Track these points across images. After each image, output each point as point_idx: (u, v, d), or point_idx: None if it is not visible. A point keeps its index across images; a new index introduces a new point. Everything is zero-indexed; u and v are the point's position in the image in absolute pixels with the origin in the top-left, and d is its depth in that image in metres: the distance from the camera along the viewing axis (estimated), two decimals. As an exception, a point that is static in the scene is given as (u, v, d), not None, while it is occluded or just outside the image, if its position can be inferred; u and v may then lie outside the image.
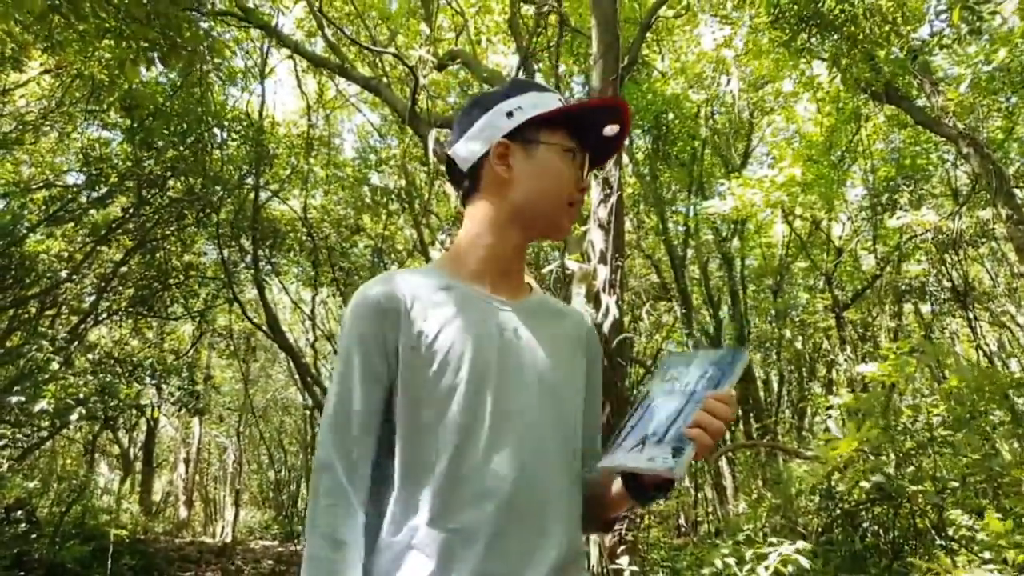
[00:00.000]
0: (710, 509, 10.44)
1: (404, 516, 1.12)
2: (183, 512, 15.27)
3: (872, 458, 4.37)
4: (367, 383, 1.16)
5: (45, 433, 8.70)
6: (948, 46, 6.74)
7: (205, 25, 5.50)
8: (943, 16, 6.37)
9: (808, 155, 8.77)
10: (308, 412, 13.97)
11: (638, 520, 4.61)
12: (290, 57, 9.90)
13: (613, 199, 4.85)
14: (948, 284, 10.28)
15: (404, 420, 1.15)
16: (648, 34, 7.07)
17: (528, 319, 1.24)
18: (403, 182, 8.13)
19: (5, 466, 6.89)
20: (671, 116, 8.96)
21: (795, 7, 6.46)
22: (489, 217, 1.27)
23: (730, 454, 9.14)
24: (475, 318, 1.19)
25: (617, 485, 1.19)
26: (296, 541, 11.42)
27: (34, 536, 7.44)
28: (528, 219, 1.27)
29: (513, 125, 1.25)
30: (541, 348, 1.22)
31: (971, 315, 10.37)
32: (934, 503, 4.36)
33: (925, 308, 11.65)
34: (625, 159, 7.75)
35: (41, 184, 8.92)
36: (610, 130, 1.28)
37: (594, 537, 4.59)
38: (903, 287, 10.33)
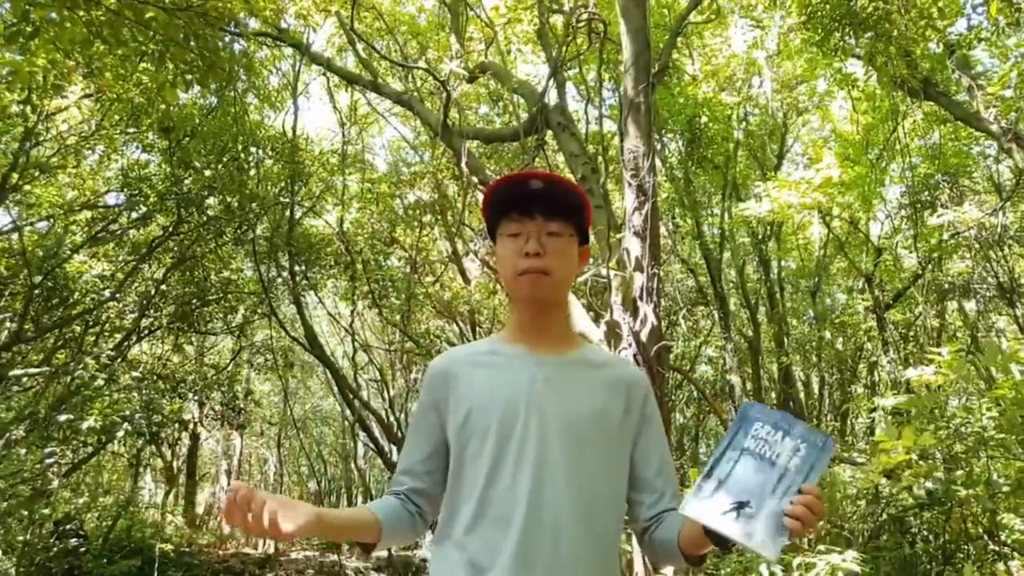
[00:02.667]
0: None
1: (445, 531, 1.42)
2: (226, 524, 15.45)
3: (921, 462, 4.27)
4: (416, 435, 1.52)
5: (91, 449, 8.89)
6: (987, 39, 6.59)
7: (240, 46, 5.60)
8: (980, 9, 6.24)
9: (846, 155, 8.63)
10: (348, 424, 14.08)
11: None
12: (323, 74, 10.03)
13: (648, 206, 4.81)
14: (993, 281, 10.03)
15: (453, 461, 1.44)
16: (679, 39, 7.03)
17: (562, 370, 1.46)
18: (436, 195, 8.20)
19: (55, 482, 7.04)
20: (704, 119, 8.88)
21: (827, 6, 6.37)
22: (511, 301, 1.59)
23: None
24: (509, 375, 1.44)
25: (698, 528, 1.28)
26: (337, 551, 11.49)
27: (83, 550, 7.60)
28: (511, 298, 1.56)
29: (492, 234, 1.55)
30: (571, 396, 1.42)
31: (1018, 312, 10.10)
32: (987, 507, 4.24)
33: (969, 306, 11.37)
34: (658, 164, 7.71)
35: (82, 206, 9.15)
36: (534, 184, 1.45)
37: (638, 547, 4.55)
38: (946, 285, 10.10)
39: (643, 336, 4.67)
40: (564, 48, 5.83)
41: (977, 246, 9.59)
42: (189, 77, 4.58)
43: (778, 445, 1.22)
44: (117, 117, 8.36)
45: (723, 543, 1.24)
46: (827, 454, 1.21)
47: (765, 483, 1.19)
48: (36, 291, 7.98)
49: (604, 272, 4.89)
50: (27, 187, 8.49)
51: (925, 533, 5.35)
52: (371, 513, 1.41)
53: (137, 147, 9.05)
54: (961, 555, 4.95)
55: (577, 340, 1.55)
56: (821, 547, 4.34)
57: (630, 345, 4.65)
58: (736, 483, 1.20)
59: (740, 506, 1.17)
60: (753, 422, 1.27)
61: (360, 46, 7.67)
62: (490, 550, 1.32)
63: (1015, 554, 4.46)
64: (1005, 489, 4.16)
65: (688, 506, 1.21)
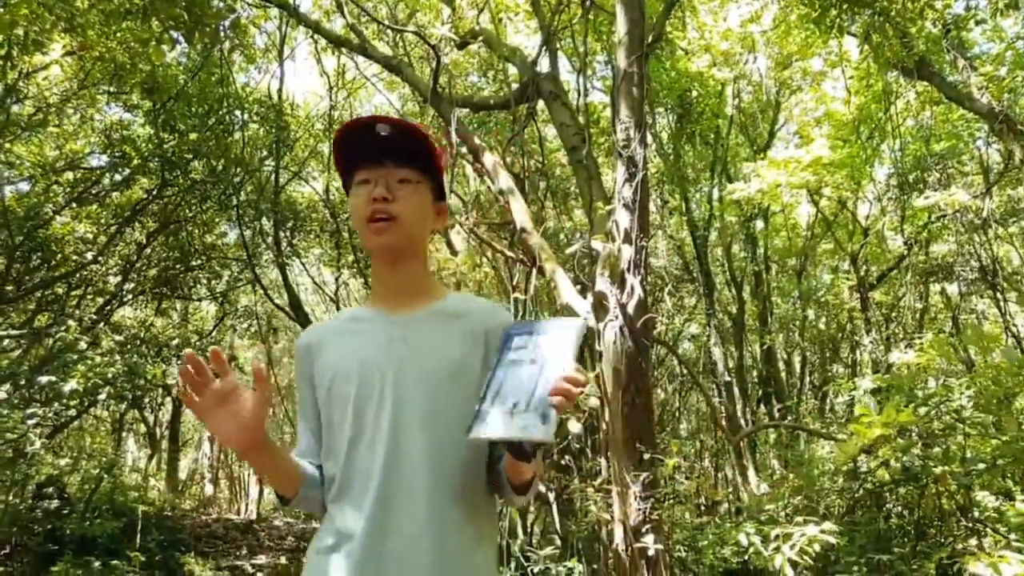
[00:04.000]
0: (729, 489, 10.42)
1: (326, 501, 1.44)
2: (208, 490, 15.50)
3: (899, 439, 4.32)
4: (303, 412, 1.51)
5: (74, 412, 8.84)
6: (983, 21, 6.57)
7: (226, 3, 5.48)
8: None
9: (837, 135, 8.62)
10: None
11: (663, 499, 4.61)
12: (310, 36, 9.86)
13: (638, 178, 4.80)
14: (976, 264, 10.11)
15: (323, 431, 1.45)
16: (673, 9, 6.95)
17: (418, 326, 1.45)
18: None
19: (38, 444, 7.00)
20: (695, 94, 8.82)
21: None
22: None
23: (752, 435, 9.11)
24: (366, 339, 1.44)
25: (507, 452, 1.33)
26: (318, 519, 11.56)
27: (65, 512, 7.59)
28: (366, 248, 1.52)
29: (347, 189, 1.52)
30: (427, 351, 1.41)
31: (999, 295, 10.20)
32: (962, 484, 4.31)
33: (952, 288, 11.47)
34: (649, 138, 7.67)
35: (65, 166, 9.00)
36: (381, 128, 1.41)
37: (618, 516, 4.60)
38: (930, 268, 10.17)
39: (630, 308, 4.68)
40: (557, 16, 5.76)
41: (962, 229, 9.65)
42: (175, 34, 4.49)
43: (536, 346, 1.27)
44: (100, 76, 8.19)
45: (520, 451, 1.26)
46: (578, 332, 1.25)
47: (529, 379, 1.23)
48: (17, 252, 7.87)
49: (592, 243, 4.88)
50: (8, 145, 8.34)
51: (900, 509, 5.44)
52: (298, 465, 1.43)
53: (121, 107, 8.89)
54: (934, 530, 5.04)
55: (438, 291, 1.53)
56: (799, 519, 4.40)
57: (617, 317, 4.66)
58: (506, 392, 1.24)
59: (512, 408, 1.21)
60: (512, 338, 1.32)
61: (348, 7, 7.54)
62: (353, 514, 1.34)
63: (988, 530, 4.54)
64: (980, 466, 4.23)
65: (471, 433, 1.24)
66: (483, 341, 1.45)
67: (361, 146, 1.44)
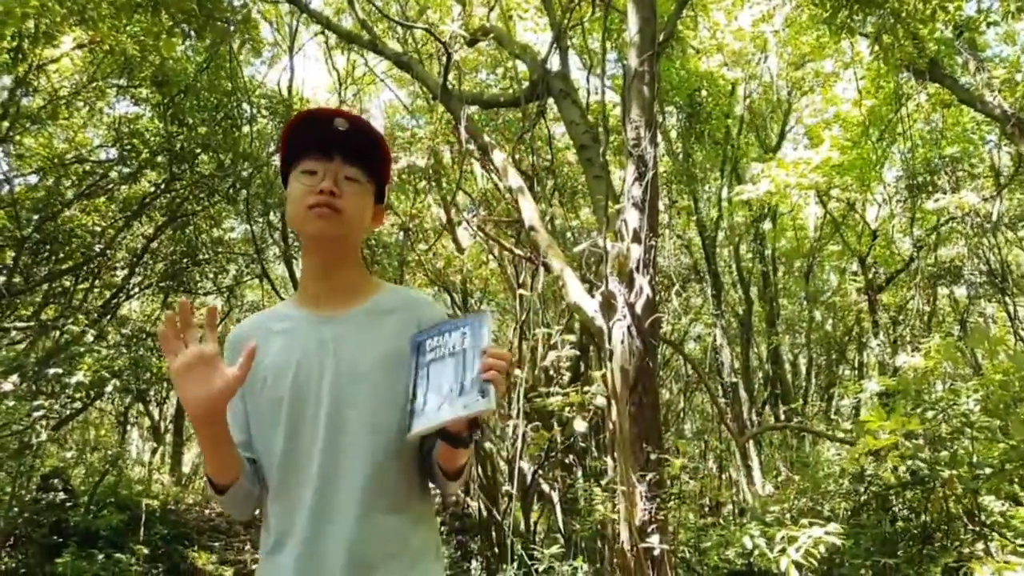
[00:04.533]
0: (734, 490, 10.40)
1: (264, 505, 1.43)
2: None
3: (907, 443, 4.31)
4: (231, 408, 1.37)
5: (79, 405, 8.86)
6: (996, 23, 6.53)
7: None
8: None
9: (846, 137, 8.58)
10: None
11: (668, 499, 4.60)
12: (320, 32, 9.86)
13: (648, 177, 4.78)
14: (985, 267, 10.06)
15: (254, 431, 1.43)
16: (684, 9, 6.93)
17: (349, 325, 1.43)
18: (431, 160, 8.12)
19: (43, 435, 7.02)
20: (704, 93, 8.80)
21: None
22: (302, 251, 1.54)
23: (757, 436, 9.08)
24: (299, 340, 1.42)
25: (440, 443, 1.35)
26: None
27: (70, 504, 7.61)
28: (302, 243, 1.50)
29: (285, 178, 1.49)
30: (359, 349, 1.41)
31: (1008, 299, 10.15)
32: (969, 488, 4.29)
33: (960, 292, 11.42)
34: (658, 137, 7.65)
35: (74, 159, 9.02)
36: (339, 123, 1.40)
37: (624, 515, 4.59)
38: (938, 271, 10.13)
39: (638, 308, 4.66)
40: (568, 14, 5.74)
41: (971, 232, 9.60)
42: (186, 28, 4.49)
43: (450, 342, 1.33)
44: (110, 69, 8.21)
45: (458, 439, 1.30)
46: (484, 318, 1.32)
47: (454, 369, 1.28)
48: (26, 244, 7.89)
49: (601, 242, 4.86)
50: (17, 138, 8.36)
51: (906, 512, 5.42)
52: (241, 457, 1.39)
53: (130, 101, 8.90)
54: (940, 534, 5.02)
55: (369, 287, 1.51)
56: (804, 521, 4.39)
57: (625, 316, 4.65)
58: (436, 385, 1.30)
59: (448, 394, 1.26)
60: (423, 343, 1.38)
61: (359, 4, 7.54)
62: (291, 515, 1.35)
63: (994, 535, 4.52)
64: (987, 471, 4.21)
65: (411, 430, 1.29)
66: (413, 332, 1.45)
67: (314, 137, 1.42)
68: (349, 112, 1.46)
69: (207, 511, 11.90)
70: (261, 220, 9.95)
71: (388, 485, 1.37)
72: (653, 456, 4.52)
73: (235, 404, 1.39)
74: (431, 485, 1.50)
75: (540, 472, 7.23)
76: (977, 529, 4.51)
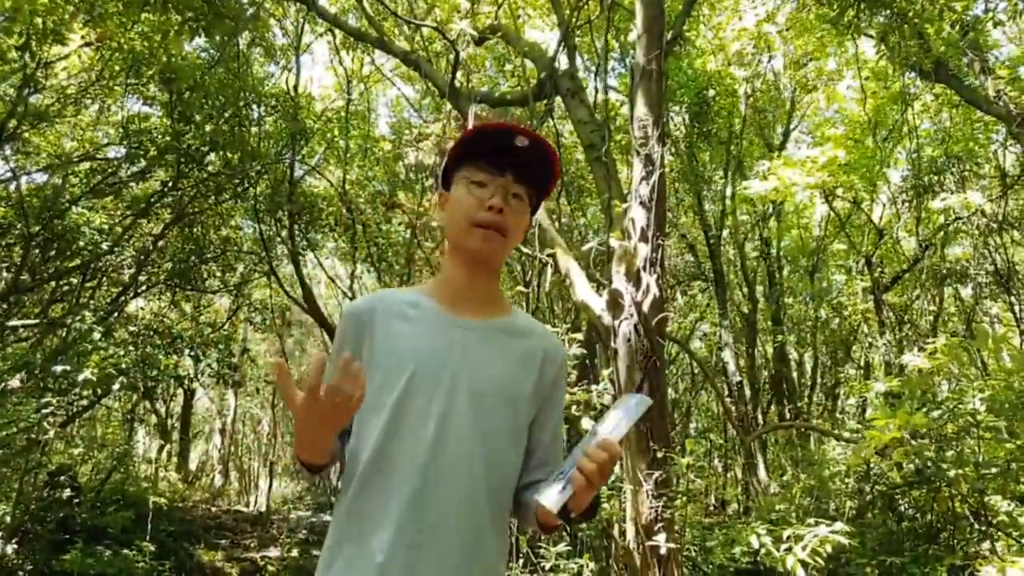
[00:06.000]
0: (739, 489, 10.40)
1: (344, 492, 1.37)
2: (219, 481, 15.60)
3: (913, 442, 4.31)
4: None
5: (87, 402, 8.90)
6: (1002, 23, 6.52)
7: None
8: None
9: (851, 136, 8.57)
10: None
11: (674, 498, 4.60)
12: (328, 30, 9.88)
13: (655, 176, 4.79)
14: (991, 268, 10.05)
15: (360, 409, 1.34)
16: (692, 7, 6.93)
17: (481, 337, 1.42)
18: (439, 158, 8.14)
19: (51, 432, 7.06)
20: (711, 93, 8.79)
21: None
22: (447, 250, 1.51)
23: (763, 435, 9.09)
24: (429, 333, 1.40)
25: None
26: (329, 512, 11.61)
27: (77, 501, 7.65)
28: (453, 245, 1.47)
29: (446, 177, 1.49)
30: (484, 365, 1.39)
31: (1013, 299, 10.13)
32: (975, 488, 4.29)
33: (966, 292, 11.40)
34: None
35: (82, 157, 9.05)
36: (520, 141, 1.39)
37: (630, 514, 4.60)
38: (944, 271, 10.11)
39: (645, 307, 4.67)
40: (576, 12, 5.75)
41: (977, 232, 9.59)
42: (194, 26, 4.51)
43: (602, 419, 1.27)
44: (118, 67, 8.24)
45: (566, 517, 1.28)
46: (636, 407, 1.26)
47: (577, 449, 1.24)
48: (34, 241, 7.93)
49: (608, 241, 4.87)
50: (26, 135, 8.39)
51: (912, 511, 5.42)
52: (335, 443, 1.37)
53: (138, 99, 8.93)
54: (946, 534, 5.02)
55: (504, 306, 1.51)
56: (811, 520, 4.39)
57: (631, 315, 4.66)
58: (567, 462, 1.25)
59: (553, 474, 1.25)
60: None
61: (367, 1, 7.55)
62: (381, 509, 1.30)
63: (1000, 534, 4.52)
64: (993, 470, 4.21)
65: (539, 496, 1.25)
66: (537, 365, 1.45)
67: (490, 148, 1.42)
68: (532, 131, 1.44)
69: (214, 508, 11.95)
70: (269, 219, 9.97)
71: (482, 507, 1.34)
72: (660, 454, 4.53)
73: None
74: (519, 521, 1.49)
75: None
76: (983, 529, 4.52)
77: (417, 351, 1.37)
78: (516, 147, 1.39)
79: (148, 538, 7.29)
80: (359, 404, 1.20)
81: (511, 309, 1.52)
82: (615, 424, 1.24)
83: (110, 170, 9.00)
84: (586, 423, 5.01)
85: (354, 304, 1.49)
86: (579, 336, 6.04)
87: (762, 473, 8.58)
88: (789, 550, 3.99)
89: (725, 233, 11.38)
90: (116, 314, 9.24)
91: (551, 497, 1.19)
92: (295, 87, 10.07)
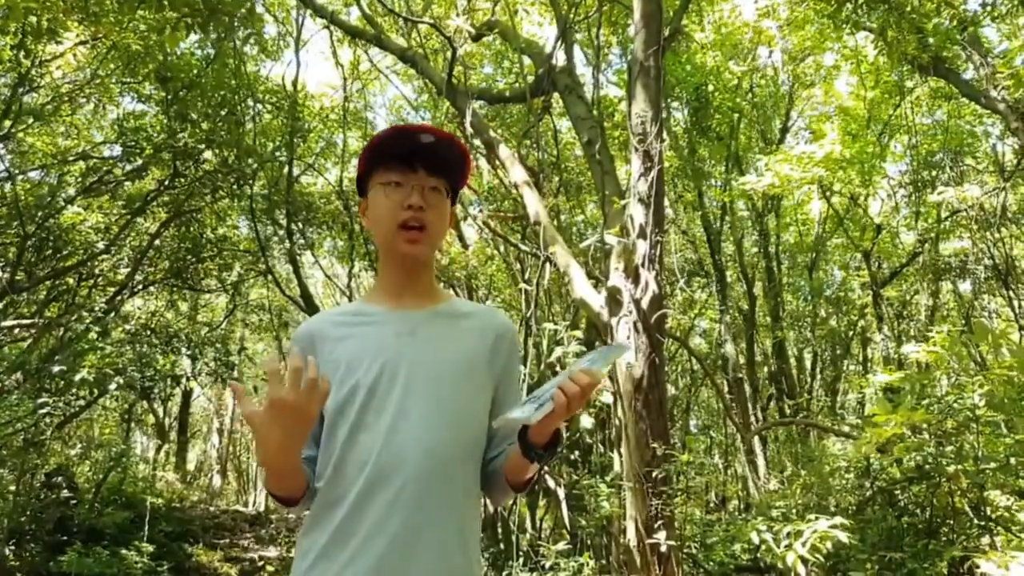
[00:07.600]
0: (739, 486, 10.39)
1: (317, 485, 1.39)
2: (217, 481, 15.57)
3: (913, 437, 4.30)
4: None
5: (83, 402, 8.86)
6: (1000, 17, 6.50)
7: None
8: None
9: (848, 130, 8.55)
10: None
11: (674, 495, 4.59)
12: (325, 27, 9.84)
13: (654, 173, 4.77)
14: (989, 262, 10.04)
15: (326, 422, 1.39)
16: (689, 4, 6.91)
17: (427, 322, 1.47)
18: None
19: (48, 433, 7.03)
20: (710, 88, 8.77)
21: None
22: (380, 254, 1.56)
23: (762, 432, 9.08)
24: (375, 332, 1.44)
25: (517, 448, 1.36)
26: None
27: (74, 502, 7.62)
28: (384, 249, 1.51)
29: (362, 186, 1.53)
30: (436, 345, 1.44)
31: (1011, 293, 10.13)
32: (975, 483, 4.29)
33: (964, 286, 11.40)
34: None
35: (77, 156, 9.01)
36: (425, 138, 1.43)
37: (631, 511, 4.59)
38: (942, 265, 10.10)
39: (644, 303, 4.66)
40: (573, 8, 5.72)
41: (975, 226, 9.58)
42: (190, 22, 4.47)
43: (579, 363, 1.30)
44: (113, 65, 8.19)
45: (529, 451, 1.31)
46: (613, 350, 1.34)
47: (550, 382, 1.28)
48: (29, 241, 7.89)
49: (607, 238, 4.85)
50: (20, 134, 8.35)
51: (912, 507, 5.41)
52: (306, 471, 1.39)
53: (133, 97, 8.89)
54: (946, 529, 5.01)
55: (443, 294, 1.57)
56: (811, 516, 4.38)
57: (631, 312, 4.64)
58: (532, 396, 1.28)
59: (523, 401, 1.27)
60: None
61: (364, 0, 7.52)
62: (343, 488, 1.33)
63: (1000, 529, 4.52)
64: (993, 465, 4.20)
65: (511, 412, 1.27)
66: (491, 341, 1.49)
67: (399, 149, 1.45)
68: (436, 128, 1.48)
69: (211, 508, 11.92)
70: (265, 217, 9.93)
71: (442, 488, 1.35)
72: (660, 452, 4.52)
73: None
74: (489, 496, 1.52)
75: (546, 468, 7.23)
76: (983, 523, 4.50)
77: (367, 349, 1.41)
78: (422, 144, 1.43)
79: (146, 538, 7.27)
80: (324, 399, 1.23)
81: (449, 296, 1.60)
82: (591, 360, 1.29)
83: (106, 169, 8.96)
84: (585, 421, 5.00)
85: (299, 329, 1.54)
86: (578, 333, 6.02)
87: (762, 469, 8.57)
88: (789, 547, 3.98)
89: (725, 228, 11.37)
90: (112, 314, 9.20)
91: (526, 410, 1.22)
92: (293, 84, 10.03)
